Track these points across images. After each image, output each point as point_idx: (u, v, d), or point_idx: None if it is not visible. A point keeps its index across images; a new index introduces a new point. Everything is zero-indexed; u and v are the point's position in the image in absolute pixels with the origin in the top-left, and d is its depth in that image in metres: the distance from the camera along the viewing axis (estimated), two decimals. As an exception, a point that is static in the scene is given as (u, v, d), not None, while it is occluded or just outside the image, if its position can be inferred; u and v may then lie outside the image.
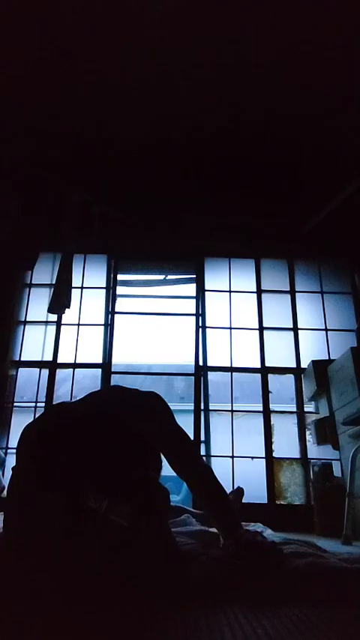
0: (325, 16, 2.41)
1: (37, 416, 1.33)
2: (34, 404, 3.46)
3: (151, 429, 1.30)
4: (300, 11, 2.39)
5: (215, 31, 2.51)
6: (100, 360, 3.63)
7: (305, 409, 3.50)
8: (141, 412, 1.33)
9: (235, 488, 2.27)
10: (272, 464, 3.28)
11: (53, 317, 3.67)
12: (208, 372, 3.60)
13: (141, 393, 1.43)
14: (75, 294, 3.63)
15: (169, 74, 2.80)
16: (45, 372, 3.55)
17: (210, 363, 3.62)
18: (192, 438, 1.39)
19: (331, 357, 3.37)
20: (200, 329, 3.72)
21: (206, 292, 3.88)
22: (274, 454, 3.31)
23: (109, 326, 3.73)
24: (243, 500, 2.21)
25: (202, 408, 3.48)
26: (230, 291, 3.91)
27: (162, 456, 1.36)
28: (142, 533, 1.01)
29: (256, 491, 3.15)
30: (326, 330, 3.74)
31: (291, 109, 3.03)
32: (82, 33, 2.54)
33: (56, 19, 2.46)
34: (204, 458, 3.32)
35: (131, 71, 2.78)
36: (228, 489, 2.84)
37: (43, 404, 3.42)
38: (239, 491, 2.19)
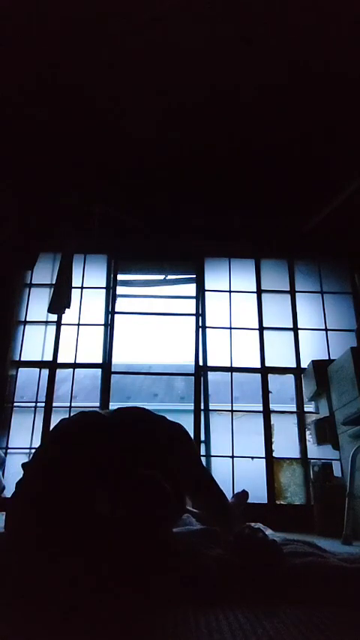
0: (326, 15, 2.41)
1: (70, 416, 1.41)
2: (34, 404, 3.46)
3: (174, 457, 1.36)
4: (301, 10, 2.39)
5: (222, 32, 2.51)
6: (100, 360, 3.63)
7: (305, 409, 3.49)
8: (166, 437, 1.38)
9: (239, 491, 2.27)
10: (272, 464, 3.28)
11: (53, 317, 3.67)
12: (208, 372, 3.60)
13: (169, 422, 1.47)
14: (75, 294, 3.63)
15: (170, 74, 2.80)
16: (45, 372, 3.55)
17: (210, 363, 3.62)
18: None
19: (331, 357, 3.37)
20: (200, 329, 3.72)
21: (206, 292, 3.88)
22: (274, 454, 3.31)
23: (109, 326, 3.73)
24: (244, 501, 2.22)
25: (202, 408, 3.48)
26: (230, 291, 3.91)
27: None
28: (144, 535, 1.02)
29: (256, 491, 3.15)
30: (326, 330, 3.74)
31: (291, 110, 3.03)
32: (84, 29, 2.54)
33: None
34: (204, 458, 3.32)
35: (131, 71, 2.78)
36: (228, 489, 2.84)
37: (43, 404, 3.42)
38: (244, 495, 2.19)
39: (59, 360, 3.59)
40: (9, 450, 3.32)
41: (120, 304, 3.85)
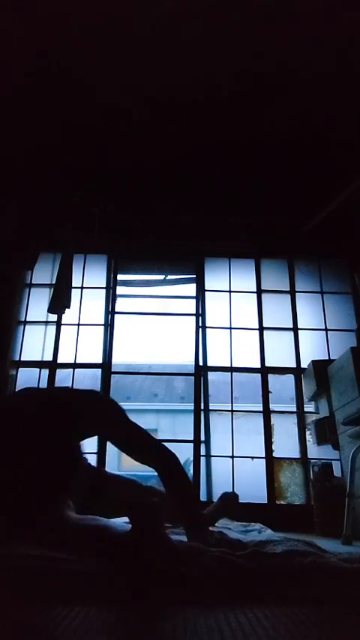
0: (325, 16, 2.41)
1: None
2: (34, 404, 3.45)
3: (100, 431, 1.50)
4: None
5: (226, 39, 2.51)
6: (100, 360, 3.63)
7: (305, 409, 3.49)
8: (83, 414, 1.43)
9: (225, 493, 2.09)
10: (272, 464, 3.28)
11: (53, 317, 3.66)
12: (208, 372, 3.60)
13: (78, 393, 1.53)
14: (75, 294, 3.63)
15: (168, 79, 2.80)
16: (45, 372, 3.55)
17: (210, 363, 3.62)
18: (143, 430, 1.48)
19: (331, 357, 3.37)
20: (200, 329, 3.72)
21: (206, 292, 3.88)
22: (274, 454, 3.31)
23: (109, 326, 3.73)
24: (242, 500, 2.16)
25: (202, 408, 3.48)
26: (230, 291, 3.91)
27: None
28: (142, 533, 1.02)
29: (256, 491, 3.15)
30: (326, 330, 3.74)
31: (291, 109, 3.03)
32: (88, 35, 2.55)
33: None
34: (204, 458, 3.33)
35: (132, 74, 2.78)
36: (228, 489, 2.83)
37: (43, 404, 3.41)
38: (228, 498, 2.03)
39: (59, 360, 3.58)
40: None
41: (120, 304, 3.85)
